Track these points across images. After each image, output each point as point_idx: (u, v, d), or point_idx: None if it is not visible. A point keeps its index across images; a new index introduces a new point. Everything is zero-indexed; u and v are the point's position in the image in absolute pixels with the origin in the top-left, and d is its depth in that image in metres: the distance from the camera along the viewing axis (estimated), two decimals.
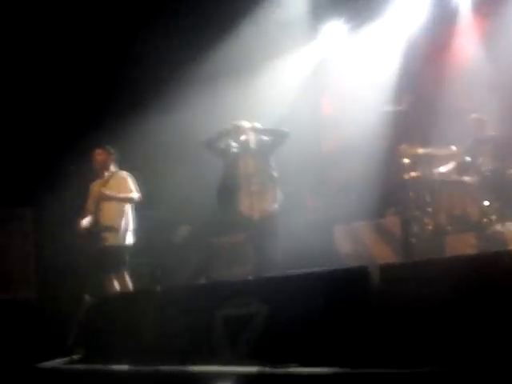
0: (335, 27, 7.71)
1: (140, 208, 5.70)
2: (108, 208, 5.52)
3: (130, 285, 5.48)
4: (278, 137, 5.28)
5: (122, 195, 5.54)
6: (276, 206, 5.28)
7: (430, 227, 6.03)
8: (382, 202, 6.65)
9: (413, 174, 6.35)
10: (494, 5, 6.74)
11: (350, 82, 7.53)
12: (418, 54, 7.33)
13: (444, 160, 6.35)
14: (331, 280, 3.32)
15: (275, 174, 5.32)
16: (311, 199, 7.10)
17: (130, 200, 5.58)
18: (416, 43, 7.32)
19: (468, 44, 7.18)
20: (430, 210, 6.13)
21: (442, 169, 6.24)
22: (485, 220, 5.76)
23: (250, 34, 6.92)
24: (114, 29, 7.18)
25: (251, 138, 5.29)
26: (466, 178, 5.99)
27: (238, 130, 5.29)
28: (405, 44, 7.37)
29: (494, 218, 5.76)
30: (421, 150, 6.36)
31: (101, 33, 7.21)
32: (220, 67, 7.06)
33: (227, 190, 5.31)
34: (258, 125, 5.34)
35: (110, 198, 5.51)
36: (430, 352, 2.76)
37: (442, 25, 7.37)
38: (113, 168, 5.72)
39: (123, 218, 5.53)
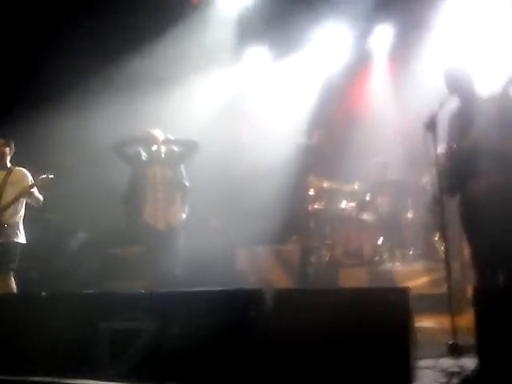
0: (258, 54, 7.84)
1: (36, 209, 5.40)
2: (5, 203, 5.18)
3: (14, 287, 5.14)
4: (188, 147, 5.29)
5: (36, 193, 5.23)
6: (183, 216, 5.24)
7: (327, 258, 6.27)
8: (286, 229, 6.79)
9: (316, 205, 6.59)
10: (407, 54, 7.18)
11: (268, 110, 7.67)
12: (334, 90, 7.64)
13: (347, 196, 6.64)
14: (225, 300, 3.32)
15: (187, 183, 5.31)
16: (215, 221, 7.08)
17: (38, 201, 5.28)
18: (333, 80, 7.62)
19: (380, 88, 7.60)
20: (328, 242, 6.37)
21: (344, 204, 6.52)
22: (377, 257, 6.07)
23: (172, 47, 6.89)
24: (31, 23, 6.89)
25: (162, 149, 5.26)
26: (365, 216, 6.30)
27: (149, 139, 5.24)
28: (322, 79, 7.66)
29: (385, 256, 6.09)
30: (326, 184, 6.63)
31: (16, 26, 6.89)
32: (139, 75, 6.95)
33: (133, 198, 5.23)
34: (170, 136, 5.31)
35: (28, 195, 5.18)
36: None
37: (358, 66, 7.75)
38: (8, 162, 5.38)
39: (19, 216, 5.23)
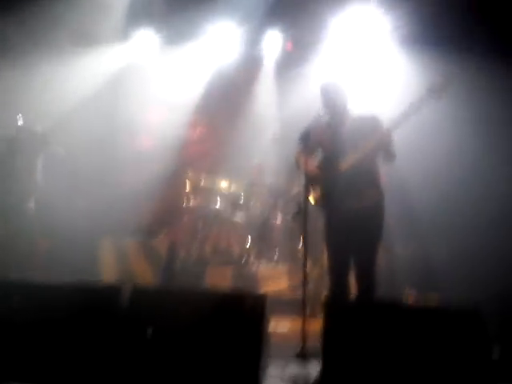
0: (147, 38, 7.57)
1: None
2: None
3: None
4: (42, 140, 5.22)
5: None
6: (31, 206, 5.13)
7: (195, 255, 6.25)
8: (157, 222, 6.65)
9: (192, 201, 6.54)
10: (295, 62, 7.38)
11: (152, 96, 7.44)
12: (221, 88, 7.62)
13: (222, 195, 6.65)
14: (83, 293, 3.19)
15: (38, 176, 5.15)
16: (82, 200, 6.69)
17: None
18: (221, 77, 7.60)
19: (266, 92, 7.72)
20: (198, 238, 6.35)
21: (219, 202, 6.53)
22: (244, 258, 6.17)
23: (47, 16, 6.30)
24: None
25: (21, 138, 5.10)
26: (236, 217, 6.36)
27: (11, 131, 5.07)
28: (210, 75, 7.60)
29: (252, 257, 6.21)
30: (204, 181, 6.60)
31: None
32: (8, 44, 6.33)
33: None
34: (37, 127, 5.16)
35: None
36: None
37: (247, 68, 7.80)
38: None
39: None
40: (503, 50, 5.60)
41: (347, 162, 3.70)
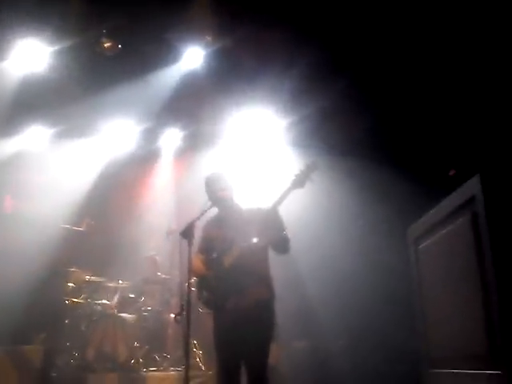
0: (38, 131, 7.30)
1: None
2: None
3: None
4: None
5: None
6: None
7: (75, 362, 5.62)
8: (33, 325, 5.99)
9: (75, 299, 6.03)
10: (192, 157, 7.40)
11: (40, 186, 7.04)
12: (114, 181, 7.40)
13: (110, 291, 6.20)
14: None
15: None
16: None
17: None
18: (114, 170, 7.40)
19: (161, 183, 7.62)
20: (80, 342, 5.75)
21: (105, 300, 6.06)
22: (132, 361, 5.65)
23: None
24: None
25: None
26: (124, 315, 5.87)
27: None
28: (102, 168, 7.39)
29: (141, 360, 5.71)
30: (89, 277, 6.14)
31: None
32: None
33: None
34: None
35: None
36: None
37: (144, 163, 7.70)
38: None
39: None
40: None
41: (229, 257, 3.53)
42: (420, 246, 3.40)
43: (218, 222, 3.77)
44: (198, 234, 3.54)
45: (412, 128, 6.00)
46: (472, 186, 2.59)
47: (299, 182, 3.45)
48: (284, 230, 3.58)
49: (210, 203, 3.70)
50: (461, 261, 2.72)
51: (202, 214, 3.60)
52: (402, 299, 4.45)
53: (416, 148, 6.07)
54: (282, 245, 3.59)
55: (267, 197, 3.69)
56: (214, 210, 3.76)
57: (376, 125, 6.18)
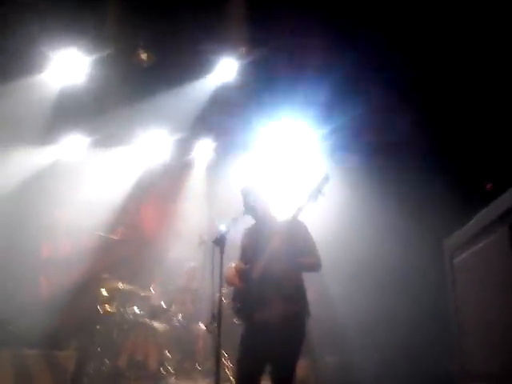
0: (76, 138, 7.46)
1: None
2: None
3: None
4: None
5: None
6: None
7: (107, 369, 5.65)
8: (66, 331, 6.07)
9: (107, 307, 6.07)
10: (224, 167, 7.43)
11: (77, 194, 7.17)
12: (147, 190, 7.48)
13: (141, 300, 6.22)
14: None
15: None
16: None
17: None
18: (148, 180, 7.49)
19: (194, 194, 7.65)
20: (112, 349, 5.79)
21: (136, 309, 6.09)
22: (162, 370, 5.66)
23: None
24: None
25: None
26: (156, 324, 5.91)
27: None
28: (138, 177, 7.48)
29: (171, 369, 5.71)
30: (122, 285, 6.17)
31: None
32: None
33: None
34: None
35: None
36: None
37: (177, 171, 7.78)
38: None
39: None
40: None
41: (257, 269, 3.51)
42: (456, 259, 3.32)
43: (252, 233, 3.77)
44: (230, 242, 3.53)
45: (449, 139, 5.92)
46: (508, 199, 2.53)
47: (313, 197, 3.48)
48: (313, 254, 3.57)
49: (242, 212, 3.70)
50: (498, 273, 2.64)
51: (235, 223, 3.60)
52: (438, 314, 4.35)
53: (452, 160, 5.98)
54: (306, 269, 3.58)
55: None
56: (253, 221, 3.78)
57: (412, 136, 6.11)
